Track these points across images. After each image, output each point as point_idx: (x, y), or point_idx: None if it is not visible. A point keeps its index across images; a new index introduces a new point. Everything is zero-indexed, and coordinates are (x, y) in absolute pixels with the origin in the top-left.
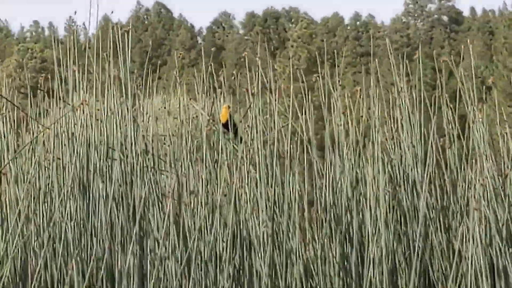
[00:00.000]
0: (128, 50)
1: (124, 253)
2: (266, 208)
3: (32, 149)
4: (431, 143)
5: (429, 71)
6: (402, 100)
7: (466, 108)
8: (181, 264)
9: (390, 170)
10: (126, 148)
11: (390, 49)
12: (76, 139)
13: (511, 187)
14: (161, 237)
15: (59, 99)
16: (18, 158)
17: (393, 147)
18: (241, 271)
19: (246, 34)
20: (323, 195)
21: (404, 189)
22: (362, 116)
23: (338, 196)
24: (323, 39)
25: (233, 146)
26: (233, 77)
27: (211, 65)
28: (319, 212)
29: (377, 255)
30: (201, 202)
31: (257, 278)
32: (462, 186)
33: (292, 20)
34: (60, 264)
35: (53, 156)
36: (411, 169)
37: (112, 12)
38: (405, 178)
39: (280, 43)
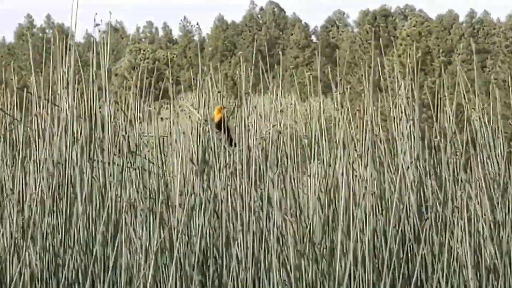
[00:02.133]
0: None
1: None
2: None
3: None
4: None
5: None
6: None
7: None
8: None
9: None
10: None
11: (502, 46)
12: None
13: None
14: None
15: (171, 99)
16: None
17: None
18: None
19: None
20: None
21: None
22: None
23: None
24: (437, 37)
25: (223, 146)
26: (345, 76)
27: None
28: None
29: None
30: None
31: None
32: None
33: (407, 18)
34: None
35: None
36: None
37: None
38: None
39: (389, 41)
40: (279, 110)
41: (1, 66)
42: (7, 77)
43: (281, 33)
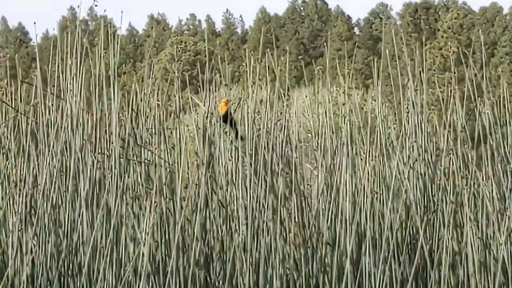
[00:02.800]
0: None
1: None
2: None
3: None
4: None
5: None
6: None
7: None
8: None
9: None
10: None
11: None
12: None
13: None
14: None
15: (211, 92)
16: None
17: None
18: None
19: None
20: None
21: None
22: None
23: None
24: (479, 29)
25: (229, 139)
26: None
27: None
28: None
29: None
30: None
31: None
32: None
33: (450, 10)
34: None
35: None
36: None
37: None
38: None
39: (430, 33)
40: (319, 103)
41: (45, 58)
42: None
43: (323, 25)
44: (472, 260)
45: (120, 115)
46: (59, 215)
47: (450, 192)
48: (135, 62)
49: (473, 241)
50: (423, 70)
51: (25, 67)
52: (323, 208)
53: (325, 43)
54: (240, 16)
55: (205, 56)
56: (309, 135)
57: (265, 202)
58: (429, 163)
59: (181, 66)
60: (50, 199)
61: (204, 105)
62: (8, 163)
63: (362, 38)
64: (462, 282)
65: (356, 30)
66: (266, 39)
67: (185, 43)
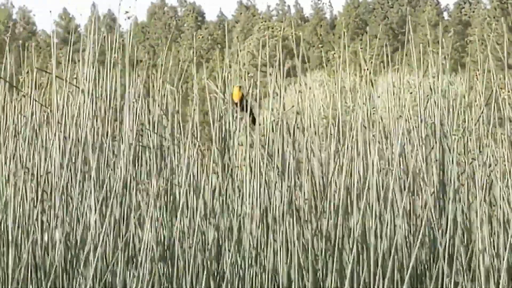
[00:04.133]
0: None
1: None
2: None
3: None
4: None
5: None
6: None
7: None
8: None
9: None
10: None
11: None
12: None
13: None
14: None
15: (296, 77)
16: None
17: None
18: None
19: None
20: None
21: None
22: None
23: None
24: None
25: (245, 125)
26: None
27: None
28: None
29: None
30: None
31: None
32: None
33: None
34: None
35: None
36: None
37: None
38: None
39: None
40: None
41: (135, 44)
42: (139, 55)
43: (413, 10)
44: None
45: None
46: (70, 202)
47: None
48: (223, 48)
49: None
50: (509, 54)
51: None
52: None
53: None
54: (329, 1)
55: (293, 41)
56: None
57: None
58: None
59: (268, 51)
60: (61, 186)
61: (224, 95)
62: (23, 150)
63: (451, 23)
64: None
65: (445, 15)
66: (355, 25)
67: (272, 28)
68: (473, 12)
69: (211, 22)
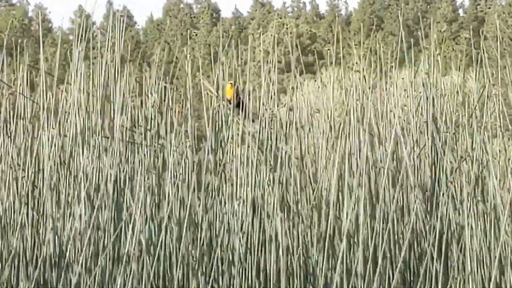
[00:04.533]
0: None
1: None
2: None
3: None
4: None
5: None
6: None
7: None
8: None
9: None
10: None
11: None
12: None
13: None
14: None
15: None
16: None
17: None
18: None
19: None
20: None
21: None
22: None
23: None
24: None
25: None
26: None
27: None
28: None
29: None
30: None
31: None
32: None
33: None
34: None
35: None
36: None
37: None
38: None
39: None
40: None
41: (150, 41)
42: (155, 52)
43: (428, 7)
44: None
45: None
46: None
47: None
48: (238, 45)
49: None
50: None
51: (129, 50)
52: None
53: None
54: None
55: (308, 38)
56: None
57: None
58: None
59: (282, 48)
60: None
61: (216, 91)
62: (14, 147)
63: (466, 19)
64: None
65: (460, 11)
66: (370, 21)
67: (287, 25)
68: (489, 8)
69: (227, 19)
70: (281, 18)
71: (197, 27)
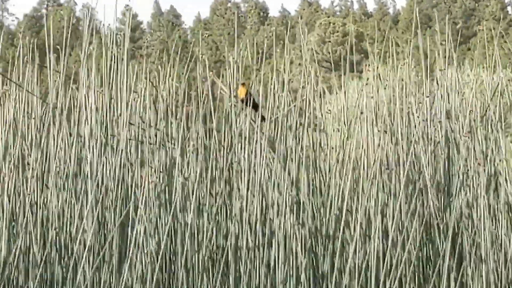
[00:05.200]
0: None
1: None
2: None
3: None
4: None
5: None
6: None
7: None
8: None
9: None
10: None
11: None
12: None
13: None
14: None
15: (358, 72)
16: None
17: None
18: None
19: None
20: None
21: None
22: None
23: None
24: None
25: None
26: None
27: None
28: None
29: None
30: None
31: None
32: None
33: None
34: None
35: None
36: None
37: None
38: None
39: None
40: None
41: (197, 40)
42: (202, 51)
43: (476, 5)
44: None
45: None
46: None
47: None
48: (285, 44)
49: None
50: None
51: (176, 49)
52: None
53: (478, 23)
54: None
55: (354, 37)
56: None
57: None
58: None
59: (329, 47)
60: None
61: (229, 90)
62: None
63: None
64: None
65: (509, 9)
66: (418, 19)
67: (334, 24)
68: None
69: (274, 18)
70: (328, 17)
71: (245, 26)
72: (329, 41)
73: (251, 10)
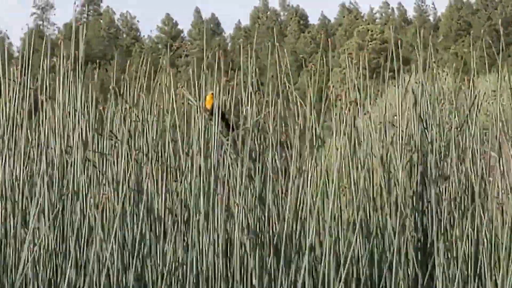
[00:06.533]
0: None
1: None
2: None
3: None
4: None
5: None
6: None
7: None
8: None
9: None
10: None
11: None
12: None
13: None
14: None
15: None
16: None
17: None
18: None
19: None
20: None
21: None
22: None
23: None
24: None
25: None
26: None
27: None
28: None
29: None
30: None
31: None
32: None
33: None
34: None
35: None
36: None
37: None
38: None
39: None
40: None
41: (238, 49)
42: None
43: None
44: None
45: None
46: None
47: None
48: (326, 51)
49: None
50: None
51: (216, 58)
52: None
53: None
54: (433, 3)
55: (393, 44)
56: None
57: None
58: None
59: (367, 54)
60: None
61: (196, 101)
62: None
63: None
64: None
65: None
66: (458, 26)
67: (372, 31)
68: None
69: (314, 26)
70: (368, 24)
71: (285, 33)
72: (367, 49)
73: (291, 18)
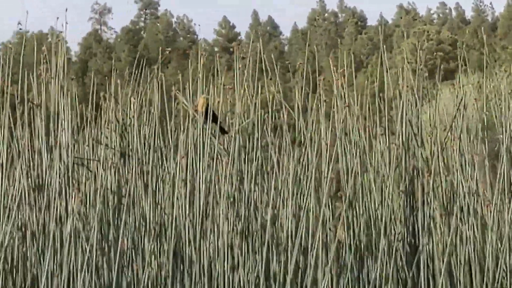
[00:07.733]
0: None
1: None
2: None
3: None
4: None
5: None
6: None
7: None
8: None
9: None
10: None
11: None
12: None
13: None
14: None
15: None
16: None
17: None
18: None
19: None
20: None
21: None
22: None
23: None
24: None
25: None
26: None
27: None
28: None
29: None
30: None
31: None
32: None
33: None
34: None
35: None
36: None
37: None
38: None
39: None
40: None
41: (295, 51)
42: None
43: None
44: None
45: None
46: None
47: None
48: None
49: None
50: None
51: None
52: None
53: None
54: (491, 3)
55: (449, 44)
56: None
57: None
58: None
59: (423, 55)
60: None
61: (190, 105)
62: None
63: None
64: None
65: None
66: None
67: (428, 32)
68: None
69: (372, 27)
70: (425, 25)
71: (342, 35)
72: (423, 49)
73: (348, 19)
